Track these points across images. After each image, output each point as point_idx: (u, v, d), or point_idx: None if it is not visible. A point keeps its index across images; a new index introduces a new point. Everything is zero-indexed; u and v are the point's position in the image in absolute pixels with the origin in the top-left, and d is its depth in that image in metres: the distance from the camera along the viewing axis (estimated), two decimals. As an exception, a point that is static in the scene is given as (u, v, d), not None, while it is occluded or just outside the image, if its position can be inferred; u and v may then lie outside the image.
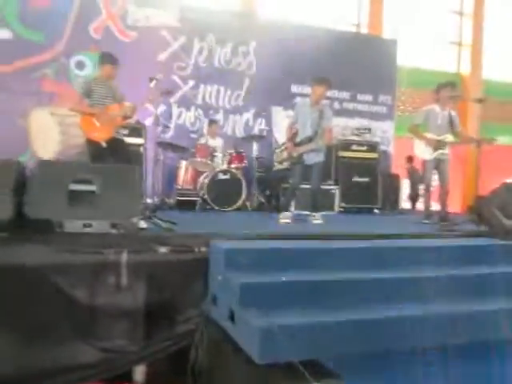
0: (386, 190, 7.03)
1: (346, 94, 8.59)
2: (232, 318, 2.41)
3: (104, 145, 4.23)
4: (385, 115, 8.90)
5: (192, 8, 7.48)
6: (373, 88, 8.71)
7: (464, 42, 11.24)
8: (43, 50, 6.68)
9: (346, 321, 2.23)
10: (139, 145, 5.87)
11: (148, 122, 6.94)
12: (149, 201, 6.41)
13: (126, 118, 4.51)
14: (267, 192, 6.80)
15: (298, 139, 4.70)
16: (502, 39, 11.82)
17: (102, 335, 2.65)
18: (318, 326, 2.16)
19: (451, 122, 4.89)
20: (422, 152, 4.93)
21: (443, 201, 4.88)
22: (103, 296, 2.67)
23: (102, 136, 4.26)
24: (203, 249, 2.90)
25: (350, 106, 8.60)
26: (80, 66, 6.89)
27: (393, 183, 7.77)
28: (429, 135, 4.89)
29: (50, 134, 6.87)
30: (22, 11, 6.56)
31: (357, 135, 4.56)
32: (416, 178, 8.52)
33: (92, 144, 4.24)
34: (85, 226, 2.77)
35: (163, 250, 2.84)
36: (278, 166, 5.02)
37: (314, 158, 4.66)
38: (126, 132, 5.44)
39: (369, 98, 8.75)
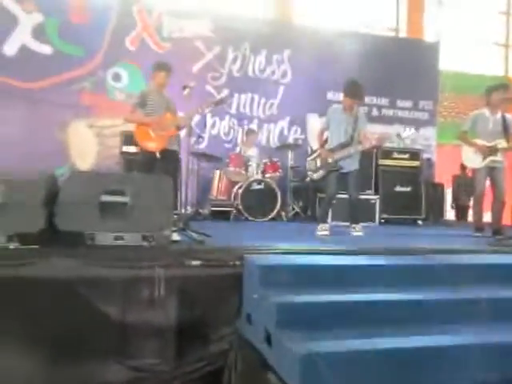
0: (430, 199, 6.65)
1: (384, 101, 8.30)
2: (268, 340, 2.22)
3: (158, 155, 4.22)
4: (426, 121, 8.52)
5: (225, 17, 7.45)
6: (413, 93, 8.36)
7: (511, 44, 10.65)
8: (82, 64, 6.82)
9: (393, 349, 1.98)
10: (174, 155, 5.82)
11: (182, 133, 6.95)
12: (183, 211, 6.38)
13: (179, 128, 4.50)
14: (301, 202, 6.60)
15: (330, 146, 4.48)
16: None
17: (132, 353, 2.53)
18: (363, 353, 1.94)
19: (505, 127, 4.53)
20: (471, 160, 4.61)
21: (497, 213, 4.49)
22: (134, 312, 2.55)
23: (156, 146, 4.26)
24: (237, 263, 2.74)
25: (390, 112, 8.30)
26: (116, 77, 6.99)
27: (437, 193, 7.36)
28: (478, 141, 4.55)
29: (87, 146, 7.03)
30: (62, 27, 6.74)
31: (399, 138, 4.28)
32: (465, 188, 8.03)
33: (145, 154, 4.23)
34: (116, 238, 2.68)
35: (196, 264, 2.70)
36: (311, 175, 4.75)
37: (351, 166, 4.42)
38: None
39: (409, 103, 8.41)
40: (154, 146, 4.25)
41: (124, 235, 2.69)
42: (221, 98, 4.01)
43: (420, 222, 6.37)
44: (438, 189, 7.57)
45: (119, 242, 2.68)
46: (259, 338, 2.33)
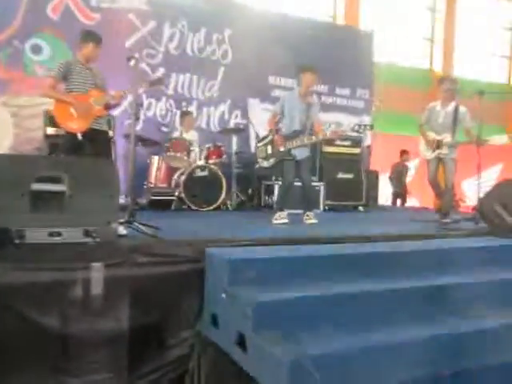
0: (368, 186, 6.78)
1: (324, 88, 8.30)
2: (242, 343, 1.98)
3: (80, 137, 3.66)
4: (362, 110, 8.68)
5: (162, -11, 6.89)
6: (351, 81, 8.46)
7: (437, 39, 11.24)
8: (-7, 32, 5.90)
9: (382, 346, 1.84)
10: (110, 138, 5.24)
11: (115, 113, 6.35)
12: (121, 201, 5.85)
13: (108, 107, 3.96)
14: (248, 190, 6.38)
15: (283, 133, 4.35)
16: (472, 37, 11.95)
17: (77, 369, 2.14)
18: (353, 351, 1.77)
19: (455, 120, 4.61)
20: (423, 151, 4.80)
21: (444, 198, 4.67)
22: (78, 321, 2.16)
23: (79, 127, 3.69)
24: (197, 258, 2.45)
25: (329, 99, 8.33)
26: (36, 50, 6.16)
27: (372, 179, 7.54)
28: (430, 134, 4.68)
29: (2, 127, 6.15)
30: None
31: (358, 132, 4.19)
32: (402, 175, 8.37)
33: (68, 136, 3.67)
34: (51, 235, 2.24)
35: (149, 261, 2.36)
36: (261, 163, 4.55)
37: (304, 153, 4.32)
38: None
39: (347, 92, 8.51)
40: (75, 126, 3.70)
41: (61, 231, 2.26)
42: (158, 77, 3.60)
43: (361, 208, 6.47)
44: (374, 176, 7.77)
45: (56, 240, 2.25)
46: (229, 341, 2.08)
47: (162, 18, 6.88)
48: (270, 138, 4.45)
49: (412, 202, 9.79)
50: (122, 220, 2.81)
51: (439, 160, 4.67)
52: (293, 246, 2.61)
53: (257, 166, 4.68)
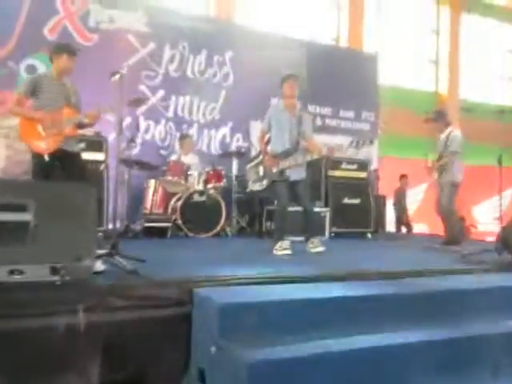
0: (376, 212, 6.42)
1: (327, 110, 8.08)
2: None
3: (46, 158, 3.33)
4: (368, 133, 8.42)
5: (162, 11, 6.77)
6: (355, 104, 8.25)
7: (442, 62, 11.08)
8: (-13, 53, 5.74)
9: None
10: (99, 162, 4.96)
11: (110, 136, 6.10)
12: (110, 227, 5.52)
13: (82, 126, 3.65)
14: (247, 216, 6.04)
15: (274, 152, 3.93)
16: (477, 59, 11.79)
17: None
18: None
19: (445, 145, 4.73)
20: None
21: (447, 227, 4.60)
22: (37, 380, 1.79)
23: (46, 147, 3.36)
24: (184, 301, 2.09)
25: (333, 122, 8.09)
26: (31, 70, 5.94)
27: (380, 205, 7.20)
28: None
29: (-7, 149, 5.90)
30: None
31: (356, 147, 3.84)
32: (403, 200, 8.01)
33: (34, 158, 3.36)
34: (12, 272, 1.90)
35: (127, 304, 2.00)
36: (252, 185, 4.19)
37: (300, 174, 3.92)
38: (82, 146, 4.52)
39: (351, 114, 8.27)
40: (42, 146, 3.34)
41: (24, 268, 1.92)
42: (138, 97, 3.32)
43: (369, 236, 6.10)
44: (381, 201, 7.43)
45: (16, 278, 1.91)
46: (218, 406, 1.70)
47: (162, 39, 6.72)
48: (260, 158, 4.08)
49: (420, 228, 9.41)
50: (101, 252, 2.47)
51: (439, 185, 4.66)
52: (301, 285, 2.25)
53: (248, 189, 4.29)
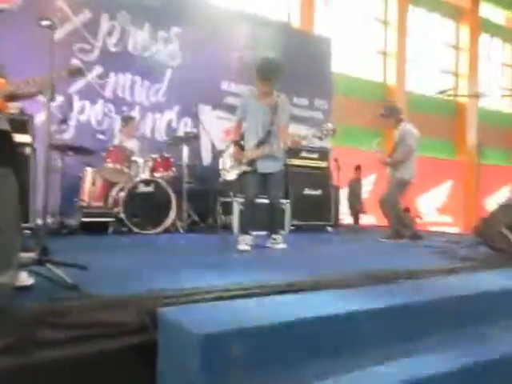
0: (336, 204, 6.15)
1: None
2: None
3: None
4: (321, 121, 8.13)
5: (99, -25, 5.91)
6: (309, 91, 7.91)
7: (389, 53, 11.13)
8: None
9: None
10: (25, 144, 4.13)
11: (38, 115, 5.22)
12: (39, 223, 4.70)
13: (11, 98, 2.88)
14: (200, 208, 5.47)
15: (247, 142, 3.61)
16: (423, 51, 12.04)
17: None
18: None
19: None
20: None
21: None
22: None
23: None
24: (145, 326, 1.54)
25: (286, 109, 7.70)
26: None
27: (336, 196, 6.95)
28: None
29: None
30: None
31: (320, 138, 3.49)
32: (358, 190, 7.84)
33: None
34: None
35: (63, 336, 1.42)
36: (224, 175, 3.85)
37: (271, 167, 3.56)
38: None
39: (305, 102, 7.93)
40: None
41: None
42: (76, 67, 2.66)
43: (329, 229, 5.81)
44: (336, 192, 7.20)
45: None
46: None
47: (98, 7, 5.89)
48: (231, 148, 3.79)
49: (368, 219, 9.40)
50: (26, 257, 1.83)
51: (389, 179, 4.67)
52: (290, 297, 1.78)
53: (220, 178, 3.90)
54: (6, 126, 2.95)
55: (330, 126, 3.60)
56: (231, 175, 3.78)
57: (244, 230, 3.54)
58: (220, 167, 3.90)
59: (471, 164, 12.64)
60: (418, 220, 9.49)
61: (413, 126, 4.77)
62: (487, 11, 13.34)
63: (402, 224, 4.65)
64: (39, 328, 1.38)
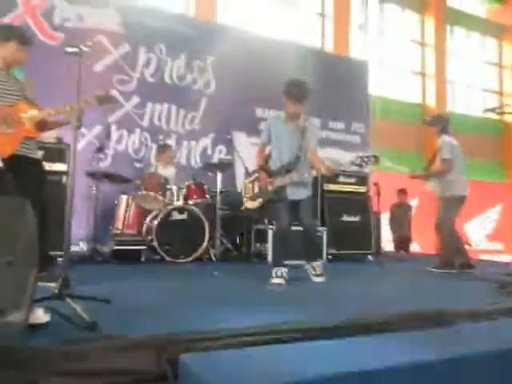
0: (377, 231, 5.85)
1: (316, 121, 7.55)
2: None
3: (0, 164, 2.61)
4: (359, 145, 7.94)
5: (137, 10, 6.13)
6: (345, 115, 7.75)
7: (428, 73, 10.83)
8: None
9: None
10: (61, 172, 4.19)
11: (78, 146, 5.36)
12: (75, 250, 4.74)
13: (41, 127, 2.92)
14: (234, 236, 5.35)
15: (272, 167, 3.42)
16: (464, 71, 11.65)
17: None
18: None
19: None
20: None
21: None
22: None
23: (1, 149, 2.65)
24: (164, 376, 1.39)
25: (322, 134, 7.54)
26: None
27: (376, 222, 6.63)
28: None
29: None
30: None
31: (360, 166, 3.22)
32: (404, 216, 7.43)
33: None
34: None
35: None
36: (246, 203, 3.64)
37: (300, 193, 3.38)
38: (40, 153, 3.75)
39: (341, 125, 7.77)
40: None
41: None
42: (106, 94, 2.66)
43: (370, 258, 5.49)
44: (377, 218, 6.87)
45: None
46: None
47: (136, 40, 6.08)
48: (257, 175, 3.57)
49: (412, 247, 8.92)
50: (51, 287, 1.75)
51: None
52: (331, 342, 1.59)
53: (242, 207, 3.73)
54: (37, 155, 3.01)
55: (371, 154, 3.36)
56: (254, 203, 3.55)
57: (277, 262, 3.31)
58: (242, 194, 3.67)
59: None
60: (467, 247, 8.93)
61: (453, 138, 4.45)
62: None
63: (456, 250, 4.28)
64: (46, 375, 1.26)
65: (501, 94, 12.36)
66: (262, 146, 3.55)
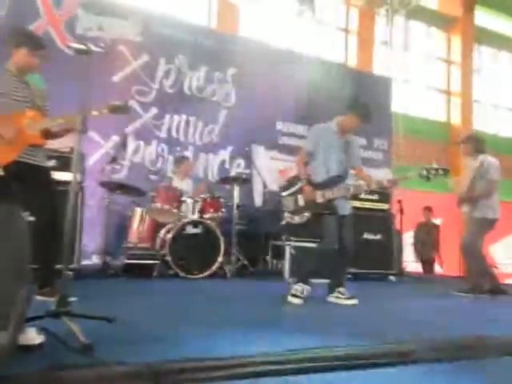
0: (399, 250, 5.56)
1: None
2: None
3: (1, 172, 2.49)
4: (381, 162, 7.70)
5: (158, 21, 6.10)
6: (367, 130, 7.52)
7: (454, 91, 10.54)
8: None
9: None
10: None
11: (91, 156, 5.29)
12: (87, 263, 4.60)
13: (49, 134, 2.81)
14: (249, 252, 5.13)
15: (317, 179, 3.25)
16: (492, 90, 11.34)
17: None
18: None
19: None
20: None
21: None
22: None
23: (2, 157, 2.54)
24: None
25: (344, 149, 7.35)
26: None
27: (399, 241, 6.33)
28: None
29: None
30: None
31: (427, 177, 2.99)
32: (431, 235, 7.09)
33: None
34: None
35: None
36: (290, 218, 3.37)
37: (348, 207, 3.31)
38: (52, 163, 3.64)
39: (363, 142, 7.53)
40: None
41: None
42: (122, 103, 2.53)
43: (392, 278, 5.20)
44: (399, 237, 6.56)
45: None
46: None
47: (156, 51, 6.04)
48: (299, 185, 3.31)
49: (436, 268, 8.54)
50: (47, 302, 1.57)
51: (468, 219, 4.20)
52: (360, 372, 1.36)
53: (283, 221, 3.51)
54: (44, 163, 2.89)
55: (440, 166, 3.11)
56: (301, 217, 3.27)
57: (304, 278, 3.12)
58: (284, 207, 3.38)
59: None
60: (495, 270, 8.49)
61: (494, 158, 4.23)
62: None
63: (484, 274, 4.01)
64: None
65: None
66: (305, 156, 3.34)
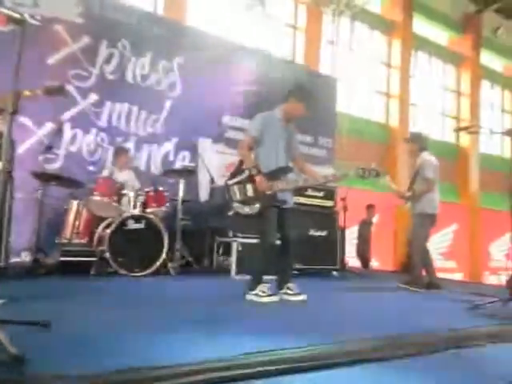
0: (342, 246, 5.68)
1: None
2: None
3: None
4: (324, 159, 7.84)
5: (102, 2, 5.71)
6: (312, 128, 7.63)
7: (392, 94, 11.01)
8: None
9: None
10: None
11: (22, 144, 4.83)
12: (15, 261, 4.20)
13: None
14: (194, 248, 4.98)
15: (264, 169, 3.09)
16: (426, 96, 11.99)
17: None
18: None
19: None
20: None
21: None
22: None
23: None
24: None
25: (289, 146, 7.39)
26: None
27: (341, 238, 6.49)
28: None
29: None
30: None
31: (362, 177, 3.03)
32: (367, 233, 7.37)
33: None
34: None
35: None
36: (240, 208, 3.16)
37: (290, 201, 3.21)
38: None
39: (308, 139, 7.63)
40: None
41: None
42: (59, 86, 2.30)
43: (335, 274, 5.31)
44: (342, 234, 6.74)
45: None
46: None
47: (98, 34, 5.65)
48: (247, 173, 3.10)
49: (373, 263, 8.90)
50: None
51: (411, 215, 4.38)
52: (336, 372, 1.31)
53: (231, 212, 3.35)
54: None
55: (373, 165, 3.15)
56: (251, 209, 3.06)
57: (260, 279, 3.04)
58: (232, 198, 3.13)
59: (473, 208, 12.31)
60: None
61: (432, 155, 4.44)
62: (487, 59, 13.48)
63: (425, 267, 4.21)
64: None
65: (458, 119, 12.82)
66: (250, 144, 3.11)
